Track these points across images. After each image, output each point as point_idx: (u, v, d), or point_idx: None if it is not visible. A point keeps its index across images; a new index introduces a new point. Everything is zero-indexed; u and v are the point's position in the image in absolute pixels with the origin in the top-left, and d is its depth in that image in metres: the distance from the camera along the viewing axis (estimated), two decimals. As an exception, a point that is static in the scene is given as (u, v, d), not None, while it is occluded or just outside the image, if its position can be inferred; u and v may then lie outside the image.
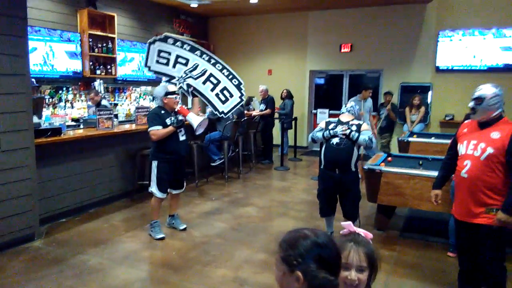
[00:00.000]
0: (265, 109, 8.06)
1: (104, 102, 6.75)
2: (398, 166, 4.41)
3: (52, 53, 6.47)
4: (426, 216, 4.84)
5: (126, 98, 8.06)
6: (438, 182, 3.05)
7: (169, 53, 5.15)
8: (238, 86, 5.23)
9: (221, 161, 6.61)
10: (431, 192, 3.03)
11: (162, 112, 4.15)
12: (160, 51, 5.16)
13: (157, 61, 5.20)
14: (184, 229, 4.44)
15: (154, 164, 4.16)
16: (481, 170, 2.59)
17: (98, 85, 7.10)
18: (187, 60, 5.15)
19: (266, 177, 7.23)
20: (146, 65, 5.28)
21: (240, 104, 5.21)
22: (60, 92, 6.83)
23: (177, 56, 5.16)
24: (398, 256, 3.89)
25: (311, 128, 9.42)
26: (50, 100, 6.62)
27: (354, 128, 3.80)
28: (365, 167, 4.36)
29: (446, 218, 4.60)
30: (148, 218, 4.38)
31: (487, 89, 2.64)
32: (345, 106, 4.05)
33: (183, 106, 4.23)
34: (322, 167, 3.97)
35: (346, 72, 9.53)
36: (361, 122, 3.91)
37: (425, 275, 3.49)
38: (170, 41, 5.14)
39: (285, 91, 8.62)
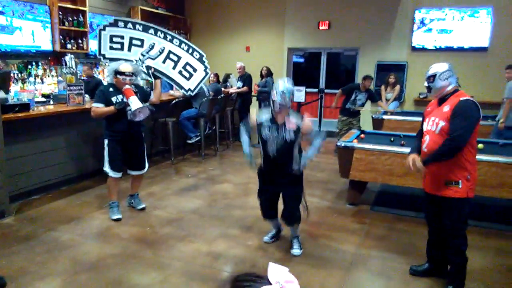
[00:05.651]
0: (243, 86, 8.01)
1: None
2: (371, 142, 4.50)
3: (20, 27, 6.20)
4: (397, 191, 4.98)
5: (99, 73, 7.84)
6: (413, 149, 2.95)
7: (122, 37, 4.96)
8: (200, 59, 5.09)
9: (197, 138, 6.57)
10: (408, 157, 2.86)
11: (111, 90, 3.92)
12: (112, 36, 4.94)
13: (111, 47, 5.00)
14: (143, 208, 4.31)
15: (106, 142, 4.02)
16: (436, 144, 2.70)
17: (69, 60, 6.87)
18: (142, 40, 4.96)
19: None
20: (99, 53, 5.04)
21: (207, 78, 5.07)
22: (30, 67, 6.59)
23: (131, 39, 4.97)
24: (368, 229, 4.01)
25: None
26: (19, 75, 6.39)
27: (291, 134, 3.14)
28: (339, 143, 4.44)
29: (416, 193, 4.76)
30: (123, 194, 4.36)
31: (437, 67, 2.79)
32: (277, 94, 3.03)
33: (131, 88, 3.89)
34: (262, 165, 3.39)
35: (324, 50, 9.52)
36: (300, 123, 3.16)
37: (392, 247, 3.62)
38: (121, 24, 4.96)
39: (265, 68, 8.37)
